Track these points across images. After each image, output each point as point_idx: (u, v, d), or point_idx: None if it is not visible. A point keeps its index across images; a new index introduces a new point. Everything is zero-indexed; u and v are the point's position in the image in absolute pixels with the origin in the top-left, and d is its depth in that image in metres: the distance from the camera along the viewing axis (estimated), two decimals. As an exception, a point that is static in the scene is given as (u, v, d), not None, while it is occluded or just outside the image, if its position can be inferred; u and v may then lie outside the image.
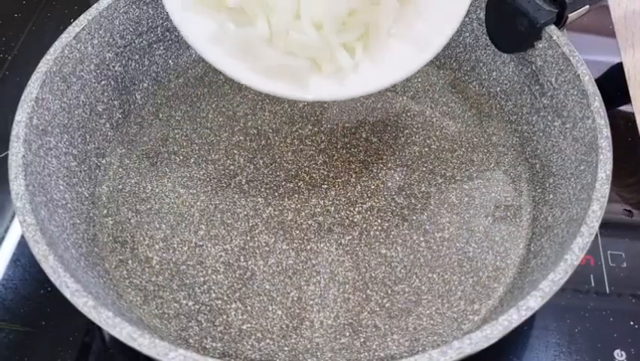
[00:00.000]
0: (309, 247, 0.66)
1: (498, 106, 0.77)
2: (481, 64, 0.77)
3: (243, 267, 0.65)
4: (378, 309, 0.62)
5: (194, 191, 0.70)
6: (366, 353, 0.59)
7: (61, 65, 0.64)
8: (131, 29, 0.73)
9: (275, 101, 0.79)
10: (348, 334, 0.60)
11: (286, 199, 0.69)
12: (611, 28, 0.93)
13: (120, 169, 0.72)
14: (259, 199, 0.69)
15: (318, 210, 0.68)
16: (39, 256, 0.51)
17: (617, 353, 0.62)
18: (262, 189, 0.70)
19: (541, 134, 0.70)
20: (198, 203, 0.69)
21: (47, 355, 0.63)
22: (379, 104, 0.79)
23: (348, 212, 0.68)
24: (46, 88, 0.62)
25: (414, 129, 0.76)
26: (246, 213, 0.68)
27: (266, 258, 0.65)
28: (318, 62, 0.58)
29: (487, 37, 0.72)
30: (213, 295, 0.63)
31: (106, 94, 0.72)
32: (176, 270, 0.64)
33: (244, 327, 0.60)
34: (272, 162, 0.73)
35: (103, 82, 0.72)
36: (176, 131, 0.76)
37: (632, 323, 0.64)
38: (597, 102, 0.60)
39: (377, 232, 0.67)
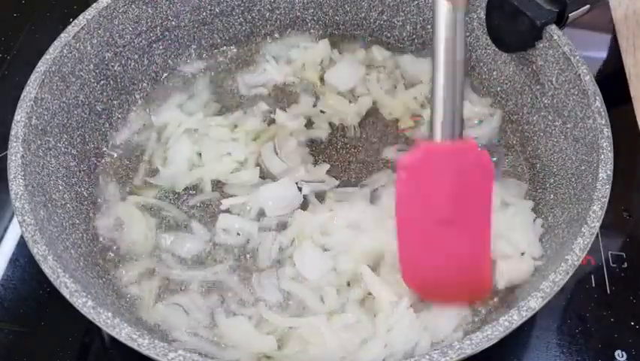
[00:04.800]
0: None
1: (498, 106, 0.76)
2: (482, 63, 0.77)
3: (243, 267, 0.64)
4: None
5: (194, 191, 0.70)
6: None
7: (60, 65, 0.64)
8: (130, 29, 0.72)
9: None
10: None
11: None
12: (611, 28, 0.93)
13: (120, 169, 0.72)
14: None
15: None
16: (38, 256, 0.51)
17: (617, 353, 0.62)
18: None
19: (541, 133, 0.69)
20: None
21: (47, 355, 0.62)
22: (379, 103, 0.79)
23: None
24: (46, 88, 0.62)
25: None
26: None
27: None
28: None
29: (488, 37, 0.72)
30: (213, 295, 0.63)
31: (105, 94, 0.72)
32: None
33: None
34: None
35: (102, 81, 0.71)
36: (175, 131, 0.76)
37: (632, 323, 0.64)
38: (598, 102, 0.60)
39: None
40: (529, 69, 0.69)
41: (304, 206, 0.68)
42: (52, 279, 0.49)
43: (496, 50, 0.72)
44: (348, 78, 0.79)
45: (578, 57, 0.63)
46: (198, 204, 0.69)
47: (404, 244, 0.56)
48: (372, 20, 0.83)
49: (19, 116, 0.59)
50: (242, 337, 0.58)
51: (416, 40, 0.82)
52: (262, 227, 0.66)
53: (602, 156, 0.56)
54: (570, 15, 0.65)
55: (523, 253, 0.62)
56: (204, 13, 0.78)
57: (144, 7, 0.72)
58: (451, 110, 0.52)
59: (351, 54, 0.82)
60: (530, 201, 0.67)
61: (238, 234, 0.66)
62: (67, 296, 0.49)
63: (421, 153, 0.53)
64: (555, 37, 0.64)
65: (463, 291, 0.59)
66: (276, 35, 0.84)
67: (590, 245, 0.51)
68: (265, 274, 0.63)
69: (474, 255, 0.57)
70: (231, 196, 0.69)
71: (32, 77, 0.62)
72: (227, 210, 0.68)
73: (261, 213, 0.67)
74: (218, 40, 0.82)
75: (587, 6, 0.66)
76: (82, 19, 0.67)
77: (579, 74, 0.62)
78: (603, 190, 0.54)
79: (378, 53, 0.82)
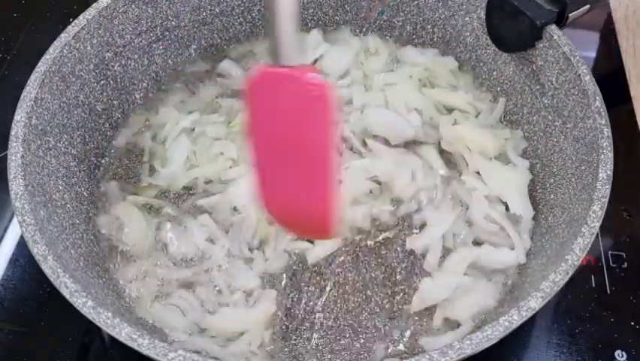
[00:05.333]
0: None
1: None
2: (482, 63, 0.77)
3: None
4: (378, 310, 0.62)
5: (193, 191, 0.70)
6: (365, 355, 0.59)
7: (60, 65, 0.64)
8: (130, 29, 0.72)
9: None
10: (348, 335, 0.60)
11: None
12: (611, 28, 0.93)
13: (120, 169, 0.72)
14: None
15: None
16: (38, 256, 0.51)
17: (617, 353, 0.62)
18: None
19: (541, 134, 0.69)
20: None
21: (47, 355, 0.62)
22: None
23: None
24: (46, 88, 0.62)
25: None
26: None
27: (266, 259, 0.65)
28: None
29: (488, 37, 0.72)
30: (214, 295, 0.63)
31: (105, 94, 0.72)
32: (176, 270, 0.64)
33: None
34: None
35: (102, 82, 0.71)
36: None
37: (632, 323, 0.64)
38: (598, 102, 0.60)
39: (377, 232, 0.67)
40: (529, 69, 0.69)
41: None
42: (52, 279, 0.49)
43: (496, 50, 0.72)
44: (340, 64, 0.79)
45: (578, 57, 0.63)
46: (197, 204, 0.69)
47: (254, 165, 0.54)
48: (372, 20, 0.83)
49: (19, 116, 0.59)
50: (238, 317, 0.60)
51: (416, 40, 0.82)
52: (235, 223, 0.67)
53: (602, 156, 0.56)
54: (570, 15, 0.65)
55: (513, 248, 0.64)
56: (204, 13, 0.78)
57: (144, 7, 0.72)
58: (290, 34, 0.48)
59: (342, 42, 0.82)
60: (527, 161, 0.70)
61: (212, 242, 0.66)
62: (67, 296, 0.49)
63: (258, 74, 0.50)
64: (555, 37, 0.64)
65: (307, 225, 0.57)
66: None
67: (590, 245, 0.51)
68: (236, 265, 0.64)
69: (314, 190, 0.53)
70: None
71: (32, 77, 0.62)
72: (206, 212, 0.68)
73: (234, 210, 0.68)
74: (218, 40, 0.82)
75: (587, 6, 0.66)
76: (82, 19, 0.67)
77: (579, 74, 0.62)
78: (603, 190, 0.54)
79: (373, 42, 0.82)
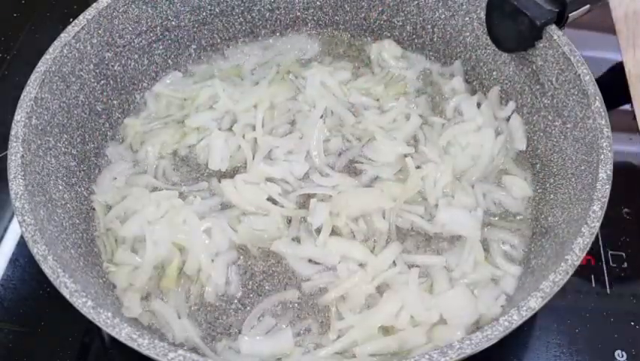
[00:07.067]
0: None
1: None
2: (482, 63, 0.77)
3: (243, 267, 0.64)
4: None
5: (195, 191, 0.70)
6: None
7: (60, 65, 0.64)
8: (130, 29, 0.72)
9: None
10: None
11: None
12: (611, 28, 0.93)
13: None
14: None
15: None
16: (38, 256, 0.51)
17: (617, 353, 0.62)
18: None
19: (541, 134, 0.69)
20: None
21: (47, 355, 0.62)
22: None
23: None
24: (46, 87, 0.62)
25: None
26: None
27: (265, 258, 0.65)
28: None
29: (488, 37, 0.72)
30: (214, 295, 0.63)
31: (105, 93, 0.72)
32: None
33: (243, 327, 0.60)
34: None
35: (102, 81, 0.71)
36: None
37: (632, 323, 0.64)
38: (598, 102, 0.60)
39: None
40: (529, 69, 0.70)
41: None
42: (52, 279, 0.49)
43: (496, 50, 0.73)
44: None
45: (578, 57, 0.63)
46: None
47: None
48: (372, 20, 0.83)
49: (19, 116, 0.59)
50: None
51: (416, 40, 0.82)
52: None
53: (602, 156, 0.56)
54: (570, 15, 0.65)
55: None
56: (204, 13, 0.78)
57: (144, 7, 0.72)
58: None
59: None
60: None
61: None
62: (67, 296, 0.49)
63: None
64: (555, 37, 0.64)
65: None
66: (277, 35, 0.84)
67: (590, 245, 0.51)
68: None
69: None
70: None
71: (32, 77, 0.62)
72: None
73: (227, 205, 0.68)
74: (218, 40, 0.82)
75: (587, 6, 0.66)
76: (82, 19, 0.67)
77: (579, 74, 0.62)
78: (603, 190, 0.54)
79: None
